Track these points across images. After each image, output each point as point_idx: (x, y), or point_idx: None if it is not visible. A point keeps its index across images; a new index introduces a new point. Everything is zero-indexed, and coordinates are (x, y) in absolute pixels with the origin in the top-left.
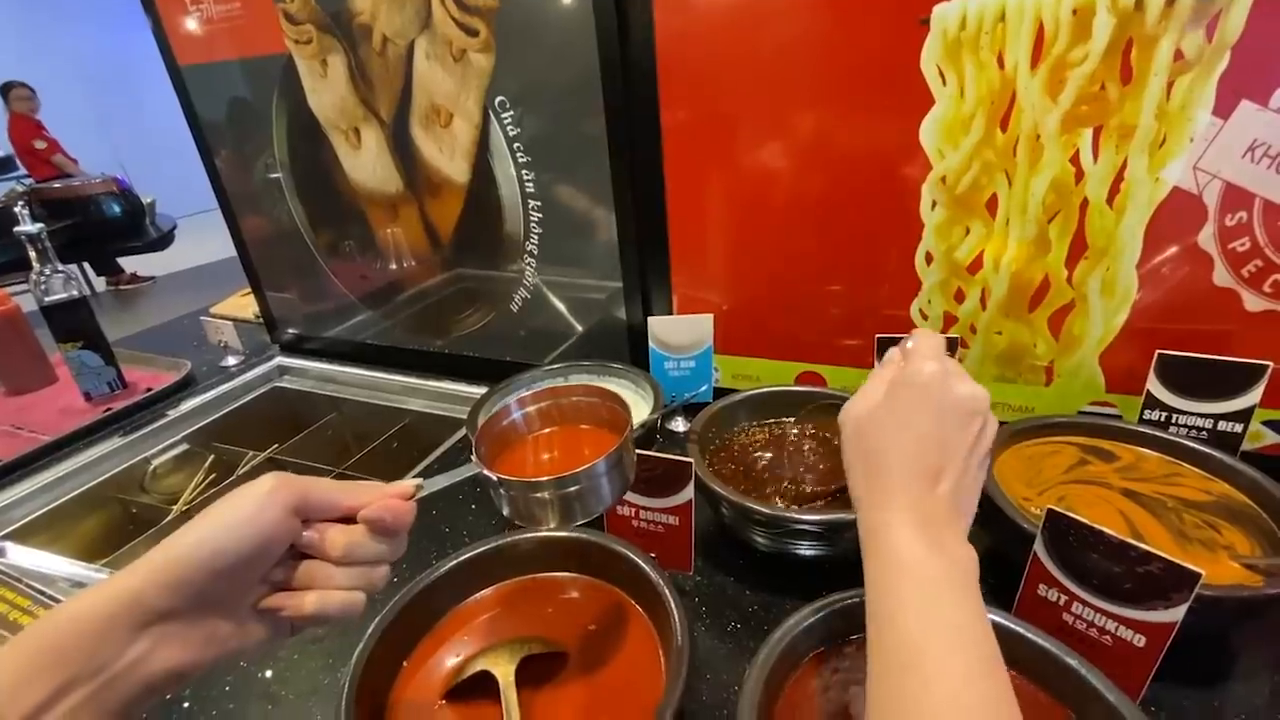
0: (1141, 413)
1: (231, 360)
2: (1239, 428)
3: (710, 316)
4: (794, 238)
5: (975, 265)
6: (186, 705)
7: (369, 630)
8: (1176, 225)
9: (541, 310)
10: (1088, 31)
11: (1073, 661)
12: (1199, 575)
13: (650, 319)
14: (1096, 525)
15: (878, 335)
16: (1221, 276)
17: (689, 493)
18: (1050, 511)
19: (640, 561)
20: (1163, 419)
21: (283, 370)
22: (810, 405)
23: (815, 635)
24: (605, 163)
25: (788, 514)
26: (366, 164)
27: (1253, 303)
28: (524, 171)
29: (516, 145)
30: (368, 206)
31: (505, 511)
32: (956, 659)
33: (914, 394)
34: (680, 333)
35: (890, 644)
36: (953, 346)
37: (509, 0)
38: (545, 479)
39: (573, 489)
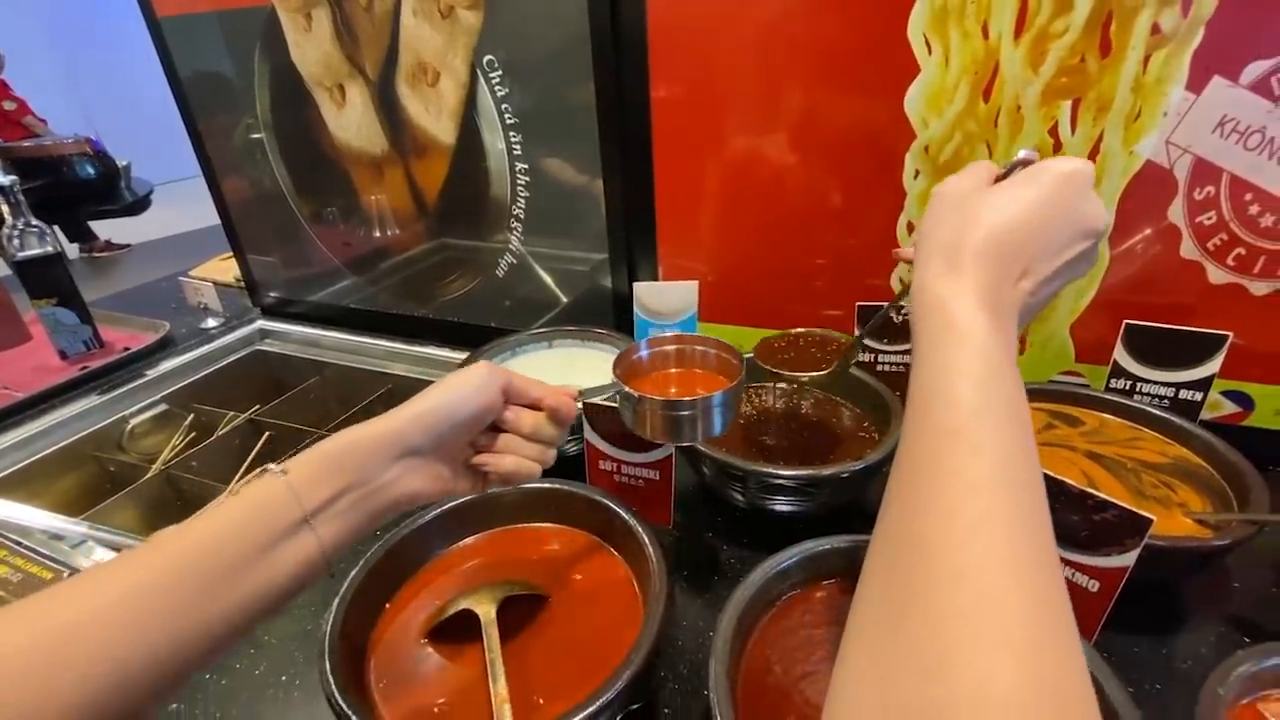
0: (1108, 381)
1: (211, 322)
2: (1199, 396)
3: (695, 284)
4: (779, 207)
5: None
6: None
7: (351, 574)
8: (1148, 198)
9: (527, 277)
10: (1070, 3)
11: None
12: (1150, 520)
13: (636, 285)
14: (1058, 476)
15: (858, 303)
16: (1188, 249)
17: (669, 449)
18: None
19: (621, 511)
20: (1128, 387)
21: (264, 333)
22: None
23: (789, 579)
24: (594, 129)
25: (764, 469)
26: (351, 123)
27: (1216, 275)
28: (511, 134)
29: (504, 107)
30: (352, 167)
31: (631, 424)
32: (1013, 431)
33: (1043, 183)
34: (665, 299)
35: (940, 411)
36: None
37: None
38: (676, 399)
39: (692, 412)
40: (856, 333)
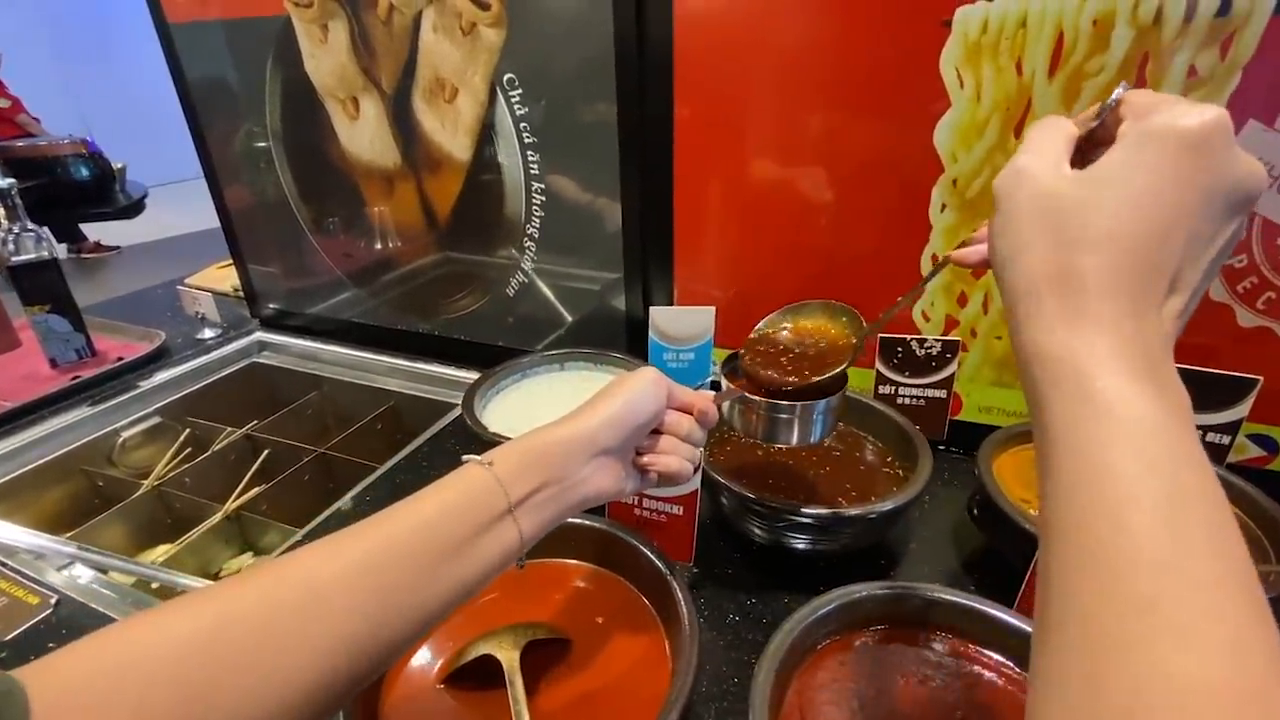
0: None
1: (208, 333)
2: (1227, 439)
3: (713, 309)
4: (800, 236)
5: (980, 269)
6: None
7: None
8: None
9: (537, 296)
10: (1106, 43)
11: None
12: None
13: (653, 309)
14: None
15: (881, 335)
16: (1218, 291)
17: (697, 482)
18: None
19: (647, 552)
20: None
21: (262, 346)
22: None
23: (826, 627)
24: (614, 150)
25: (786, 505)
26: (364, 135)
27: (1245, 319)
28: (529, 153)
29: (523, 125)
30: (362, 180)
31: (735, 424)
32: (1215, 555)
33: (1167, 151)
34: (682, 324)
35: (1105, 542)
36: (954, 349)
37: None
38: (782, 403)
39: (794, 415)
40: (878, 366)
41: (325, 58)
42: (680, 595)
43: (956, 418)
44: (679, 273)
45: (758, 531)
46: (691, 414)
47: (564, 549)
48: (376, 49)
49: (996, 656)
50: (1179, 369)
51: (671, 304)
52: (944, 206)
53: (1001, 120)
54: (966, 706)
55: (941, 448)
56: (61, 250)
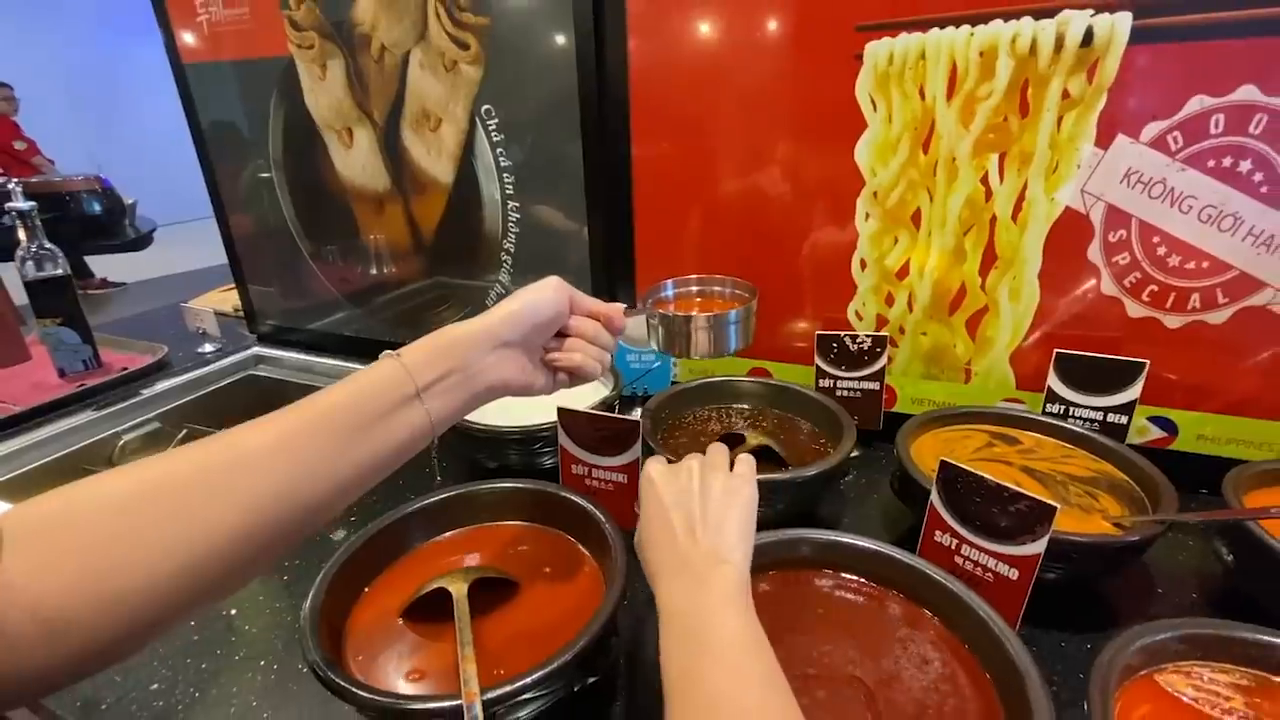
0: (1044, 406)
1: (209, 347)
2: (1124, 419)
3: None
4: (747, 249)
5: (903, 272)
6: None
7: (334, 558)
8: (1069, 240)
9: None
10: (992, 71)
11: (963, 594)
12: (1055, 507)
13: None
14: (977, 471)
15: (818, 333)
16: (1108, 286)
17: (637, 451)
18: (942, 462)
19: (588, 506)
20: (1062, 411)
21: (259, 359)
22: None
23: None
24: (580, 173)
25: None
26: (357, 161)
27: (1134, 310)
28: (505, 177)
29: (500, 152)
30: (355, 202)
31: (661, 344)
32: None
33: (644, 497)
34: (644, 328)
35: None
36: (883, 344)
37: (499, 19)
38: (693, 314)
39: (708, 326)
40: (817, 361)
41: (324, 93)
42: (612, 538)
43: (892, 409)
44: (641, 285)
45: None
46: (599, 320)
47: (520, 513)
48: (370, 84)
49: (879, 587)
50: (1080, 356)
51: None
52: (868, 216)
53: (911, 139)
54: (866, 628)
55: (878, 439)
56: None
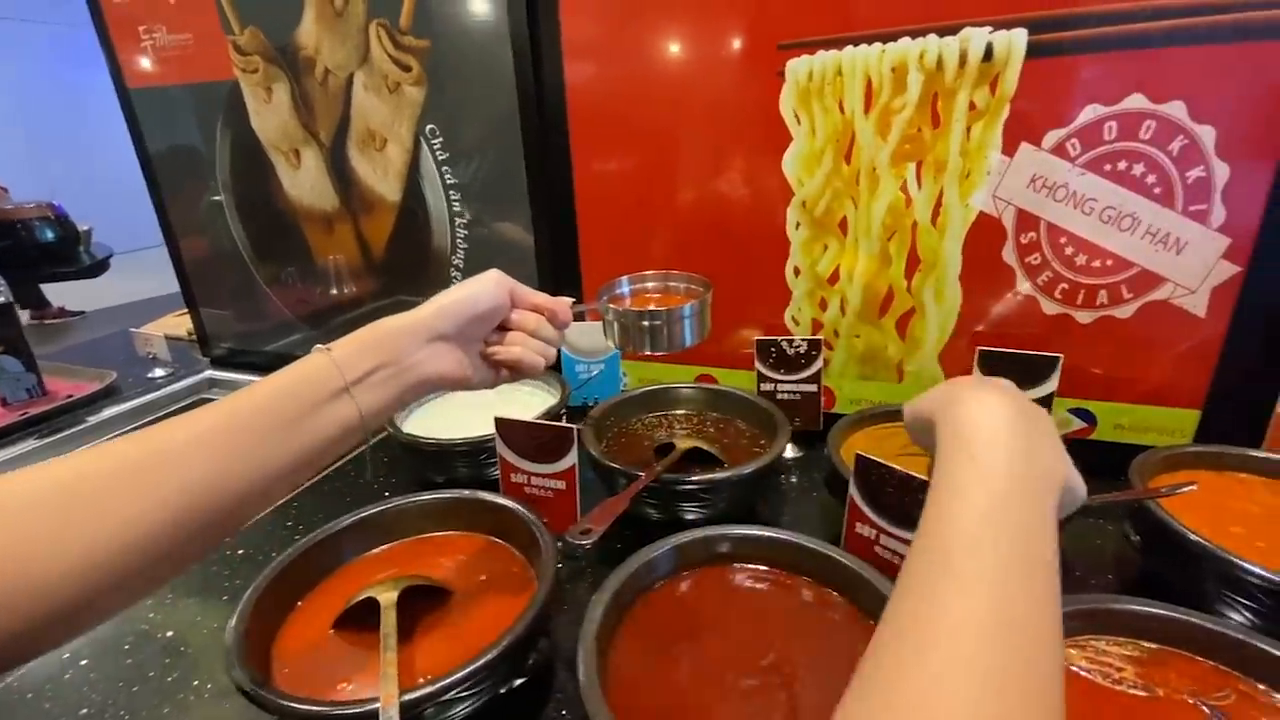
0: None
1: (159, 372)
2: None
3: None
4: (689, 259)
5: (834, 278)
6: (85, 662)
7: (263, 574)
8: (986, 243)
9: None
10: (904, 85)
11: (872, 577)
12: None
13: None
14: (887, 462)
15: (756, 338)
16: (1023, 285)
17: (573, 457)
18: (858, 456)
19: (520, 511)
20: None
21: (212, 383)
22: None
23: (659, 569)
24: (524, 189)
25: (637, 471)
26: (305, 182)
27: (1049, 307)
28: (451, 193)
29: (445, 170)
30: (305, 223)
31: (616, 340)
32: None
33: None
34: (592, 339)
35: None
36: (817, 347)
37: (439, 41)
38: (649, 309)
39: (665, 321)
40: (757, 366)
41: (270, 115)
42: (545, 543)
43: (832, 410)
44: (588, 296)
45: (650, 512)
46: (543, 314)
47: (456, 523)
48: (315, 106)
49: (803, 578)
50: (1001, 353)
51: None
52: (798, 224)
53: (834, 150)
54: (783, 616)
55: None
56: (24, 316)
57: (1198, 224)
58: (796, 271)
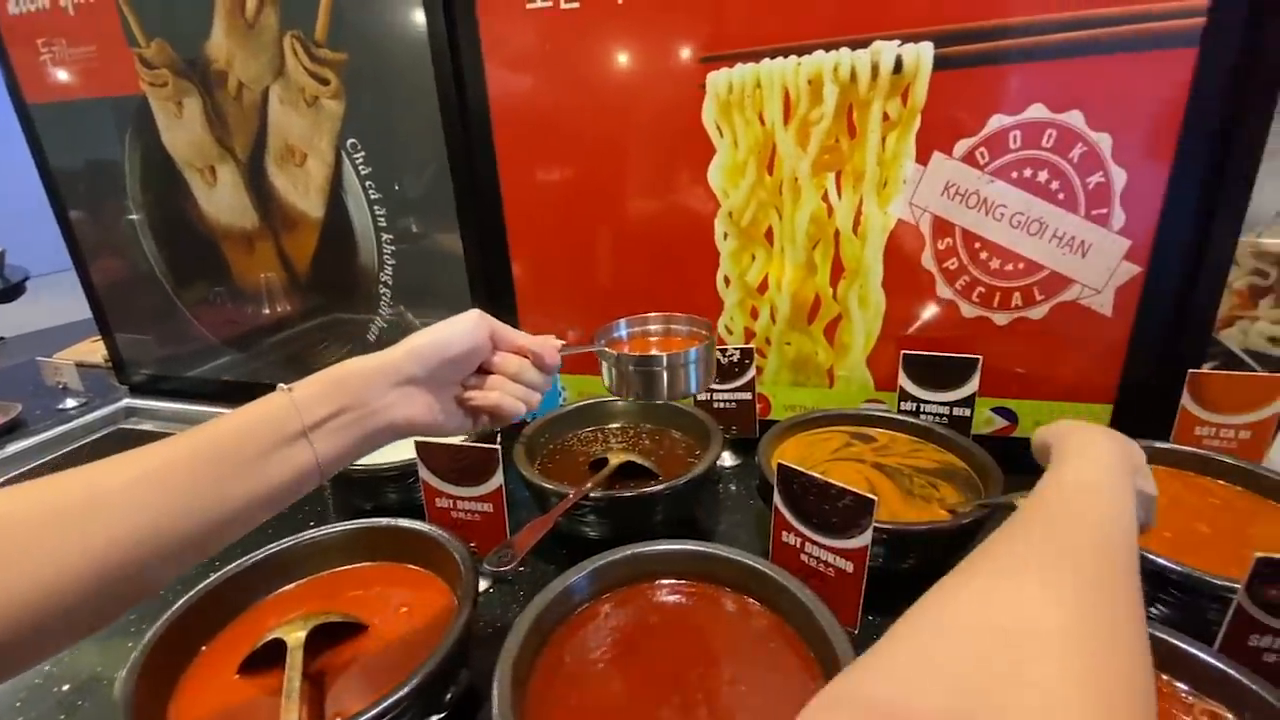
0: (899, 404)
1: (71, 402)
2: (968, 412)
3: (551, 338)
4: (622, 271)
5: (763, 286)
6: None
7: (159, 621)
8: (905, 249)
9: (399, 341)
10: (821, 97)
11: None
12: (873, 500)
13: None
14: (807, 471)
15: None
16: (943, 290)
17: (498, 479)
18: (779, 465)
19: (440, 537)
20: (915, 408)
21: (130, 412)
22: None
23: (578, 594)
24: (451, 202)
25: (563, 489)
26: (222, 199)
27: (967, 310)
28: (376, 208)
29: (368, 184)
30: (224, 242)
31: (612, 386)
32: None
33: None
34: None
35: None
36: (750, 356)
37: (357, 54)
38: (648, 355)
39: (662, 368)
40: None
41: (181, 131)
42: (465, 569)
43: (767, 418)
44: (523, 313)
45: (589, 531)
46: (526, 356)
47: (380, 553)
48: (229, 121)
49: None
50: (924, 356)
51: None
52: (726, 235)
53: (756, 161)
54: (706, 631)
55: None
56: None
57: (1100, 227)
58: (727, 281)
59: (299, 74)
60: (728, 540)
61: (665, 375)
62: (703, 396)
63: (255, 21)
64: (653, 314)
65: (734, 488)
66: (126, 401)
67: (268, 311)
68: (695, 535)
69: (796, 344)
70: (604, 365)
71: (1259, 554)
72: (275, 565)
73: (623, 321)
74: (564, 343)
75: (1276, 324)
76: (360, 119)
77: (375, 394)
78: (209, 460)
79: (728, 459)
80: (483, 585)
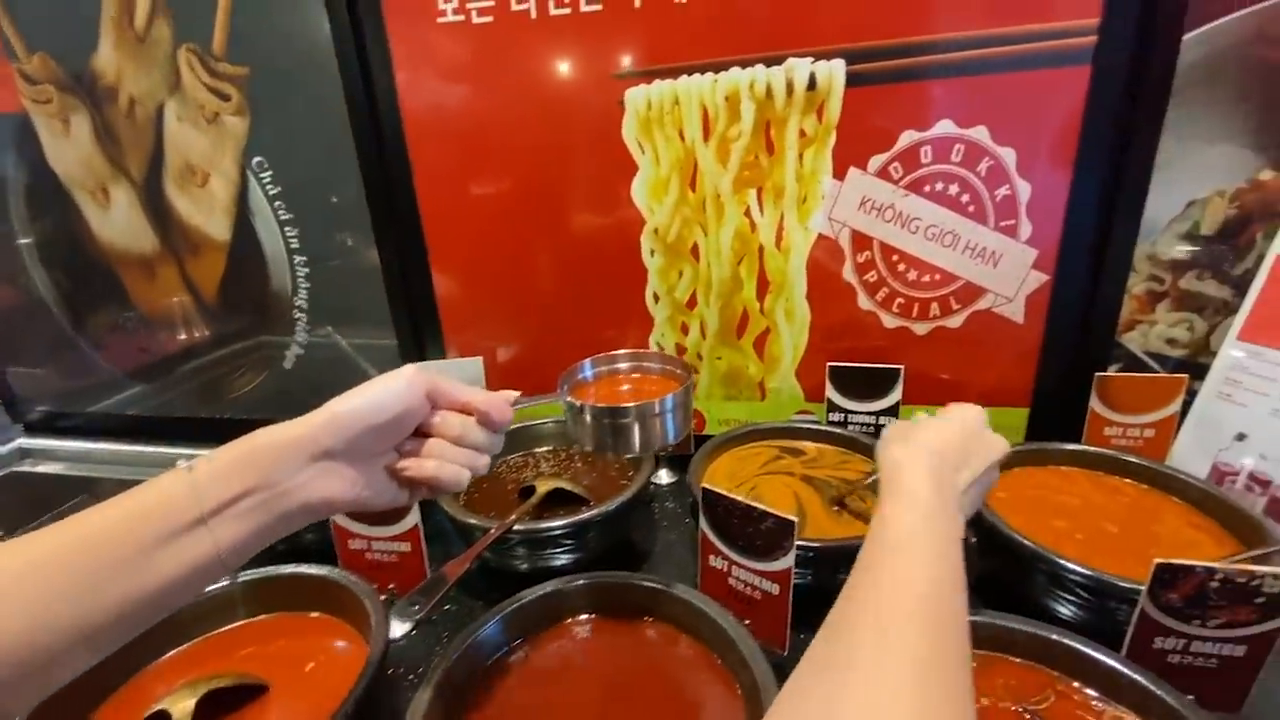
0: (828, 415)
1: None
2: (893, 420)
3: (479, 359)
4: (548, 288)
5: (691, 302)
6: None
7: None
8: (826, 263)
9: (317, 366)
10: (738, 114)
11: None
12: (793, 521)
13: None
14: (729, 494)
15: None
16: (864, 302)
17: (414, 517)
18: (704, 489)
19: (345, 581)
20: (843, 419)
21: (25, 453)
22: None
23: (488, 645)
24: (367, 219)
25: (486, 523)
26: (117, 222)
27: (889, 321)
28: (286, 228)
29: (277, 203)
30: (121, 268)
31: (581, 439)
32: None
33: (961, 419)
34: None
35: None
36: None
37: (259, 68)
38: (617, 407)
39: (638, 418)
40: None
41: (69, 150)
42: (375, 614)
43: (703, 433)
44: (449, 335)
45: (517, 563)
46: (472, 415)
47: (282, 603)
48: (122, 139)
49: (649, 620)
50: (848, 367)
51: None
52: (653, 251)
53: (679, 178)
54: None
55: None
56: None
57: (1009, 238)
58: (656, 297)
59: (197, 90)
60: (664, 561)
61: (637, 427)
62: None
63: (146, 34)
64: (621, 351)
65: (671, 505)
66: (20, 442)
67: (176, 340)
68: (631, 558)
69: (727, 358)
70: (568, 417)
71: (1158, 560)
72: (161, 626)
73: (588, 362)
74: (519, 394)
75: (1173, 327)
76: (266, 136)
77: (287, 471)
78: (84, 559)
79: (664, 476)
80: (403, 629)
